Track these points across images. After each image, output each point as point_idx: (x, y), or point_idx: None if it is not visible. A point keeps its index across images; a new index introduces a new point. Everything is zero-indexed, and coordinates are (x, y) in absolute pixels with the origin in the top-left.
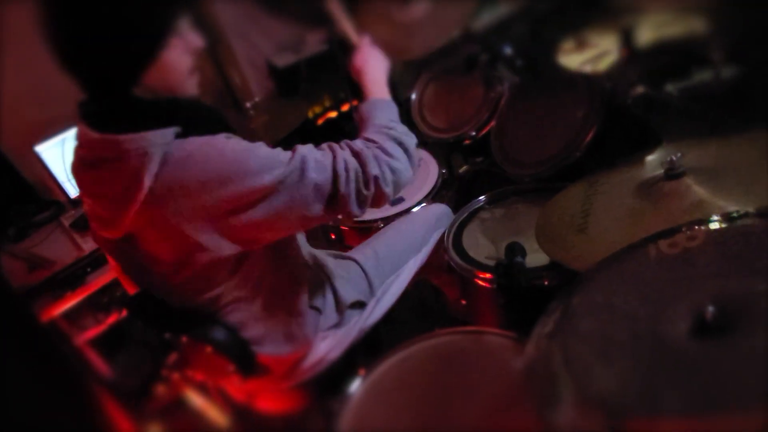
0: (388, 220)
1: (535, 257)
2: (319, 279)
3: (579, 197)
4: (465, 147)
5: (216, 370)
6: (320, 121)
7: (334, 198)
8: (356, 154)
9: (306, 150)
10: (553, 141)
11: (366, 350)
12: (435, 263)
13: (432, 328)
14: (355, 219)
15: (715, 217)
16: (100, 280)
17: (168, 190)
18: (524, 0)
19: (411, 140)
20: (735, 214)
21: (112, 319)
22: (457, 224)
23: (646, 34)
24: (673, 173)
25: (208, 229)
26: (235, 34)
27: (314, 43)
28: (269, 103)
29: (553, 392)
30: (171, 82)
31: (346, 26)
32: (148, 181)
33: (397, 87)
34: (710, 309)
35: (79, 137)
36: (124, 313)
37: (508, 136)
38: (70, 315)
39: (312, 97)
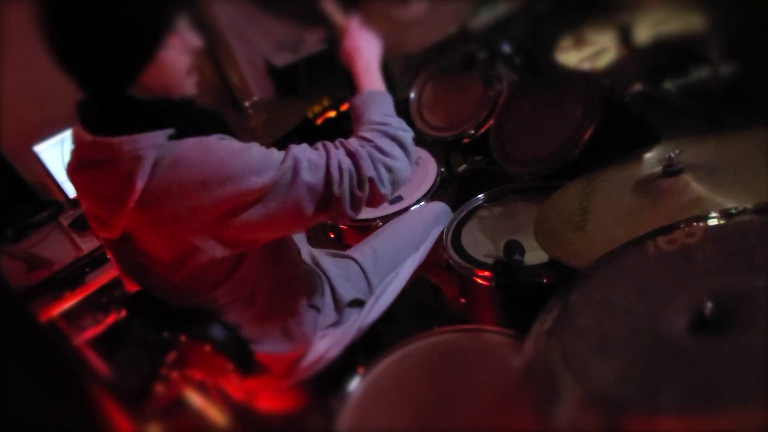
0: (386, 219)
1: (534, 255)
2: (318, 278)
3: (577, 195)
4: (464, 146)
5: (215, 369)
6: (319, 121)
7: (327, 199)
8: (351, 155)
9: (299, 150)
10: (551, 139)
11: (365, 349)
12: (434, 261)
13: (431, 326)
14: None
15: (714, 214)
16: (99, 280)
17: (161, 192)
18: None
19: (407, 135)
20: (733, 211)
21: (111, 319)
22: (455, 223)
23: (644, 31)
24: (671, 170)
25: (203, 231)
26: (234, 34)
27: (313, 42)
28: (268, 103)
29: (552, 389)
30: (169, 82)
31: (331, 8)
32: (140, 184)
33: (392, 78)
34: (708, 305)
35: (74, 139)
36: (123, 313)
37: (507, 134)
38: (69, 315)
39: (311, 97)
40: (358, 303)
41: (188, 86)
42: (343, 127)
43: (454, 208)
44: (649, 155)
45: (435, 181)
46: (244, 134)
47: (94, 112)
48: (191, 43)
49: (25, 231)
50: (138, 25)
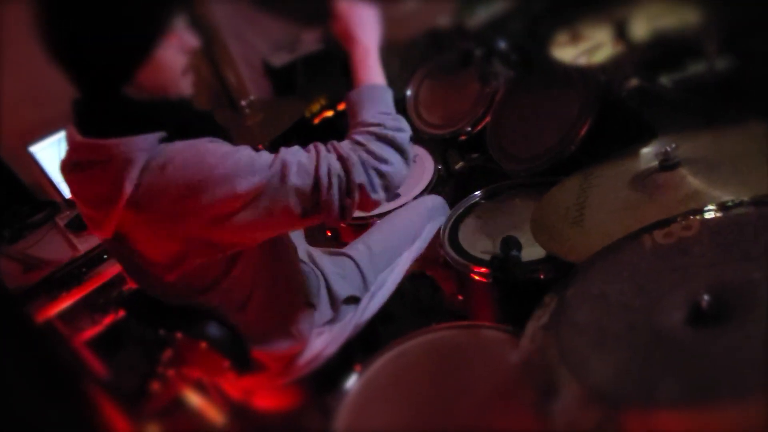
0: (382, 216)
1: (532, 251)
2: (314, 275)
3: (574, 190)
4: (461, 143)
5: (211, 367)
6: (317, 120)
7: (316, 204)
8: (342, 159)
9: (289, 154)
10: (548, 135)
11: (363, 346)
12: (431, 256)
13: (429, 324)
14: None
15: (710, 207)
16: (95, 280)
17: (150, 194)
18: None
19: (403, 135)
20: (730, 204)
21: (108, 319)
22: (453, 219)
23: (640, 26)
24: (667, 164)
25: (192, 233)
26: (231, 34)
27: (310, 41)
28: (265, 102)
29: (549, 384)
30: (164, 81)
31: None
32: (129, 186)
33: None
34: (705, 298)
35: (68, 139)
36: (121, 313)
37: (504, 130)
38: (67, 316)
39: (308, 96)
40: (354, 300)
41: (184, 86)
42: (341, 126)
43: (451, 205)
44: (645, 150)
45: (432, 178)
46: (240, 133)
47: (87, 113)
48: (188, 42)
49: (21, 232)
50: (136, 22)
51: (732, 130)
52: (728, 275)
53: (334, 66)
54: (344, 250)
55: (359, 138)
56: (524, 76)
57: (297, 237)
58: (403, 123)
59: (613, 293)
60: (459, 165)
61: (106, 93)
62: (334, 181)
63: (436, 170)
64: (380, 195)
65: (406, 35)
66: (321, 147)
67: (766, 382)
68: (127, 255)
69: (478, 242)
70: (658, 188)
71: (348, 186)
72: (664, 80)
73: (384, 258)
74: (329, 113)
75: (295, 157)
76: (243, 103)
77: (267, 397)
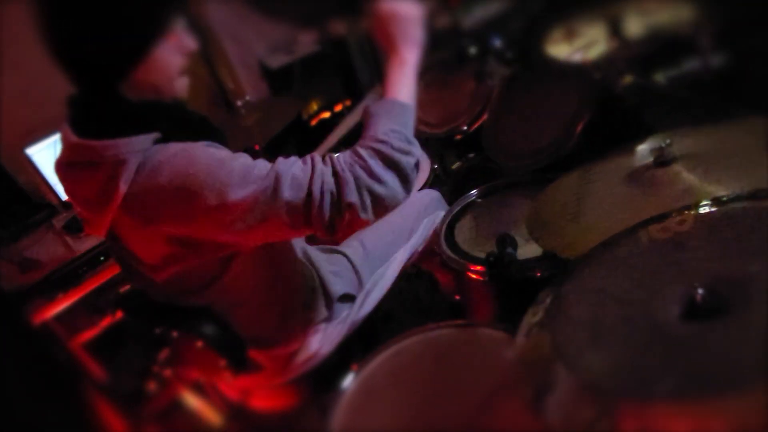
0: None
1: (528, 249)
2: (309, 274)
3: (570, 188)
4: (458, 142)
5: (207, 366)
6: (314, 122)
7: (307, 217)
8: (336, 175)
9: (284, 166)
10: (544, 133)
11: (361, 345)
12: (428, 251)
13: (428, 323)
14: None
15: (706, 202)
16: (93, 281)
17: (143, 196)
18: None
19: (408, 159)
20: (725, 198)
21: (106, 321)
22: (449, 218)
23: (634, 22)
24: (662, 160)
25: (184, 237)
26: (227, 35)
27: (307, 43)
28: (260, 102)
29: (545, 380)
30: (160, 81)
31: None
32: (123, 188)
33: None
34: (700, 291)
35: (62, 138)
36: (119, 314)
37: (500, 129)
38: (64, 317)
39: (305, 97)
40: (349, 298)
41: (179, 88)
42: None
43: (448, 205)
44: (641, 147)
45: (428, 178)
46: (236, 134)
47: (82, 113)
48: (186, 45)
49: (18, 234)
50: (135, 20)
51: (727, 126)
52: (723, 269)
53: (331, 68)
54: (339, 247)
55: (362, 152)
56: (520, 74)
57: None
58: (414, 147)
59: (609, 288)
60: (456, 165)
61: (102, 90)
62: (326, 197)
63: (432, 170)
64: (369, 216)
65: None
66: (317, 160)
67: (762, 375)
68: (120, 254)
69: (475, 241)
70: (654, 184)
71: (339, 203)
72: (659, 77)
73: (379, 255)
74: (326, 114)
75: (290, 169)
76: (239, 103)
77: (264, 397)
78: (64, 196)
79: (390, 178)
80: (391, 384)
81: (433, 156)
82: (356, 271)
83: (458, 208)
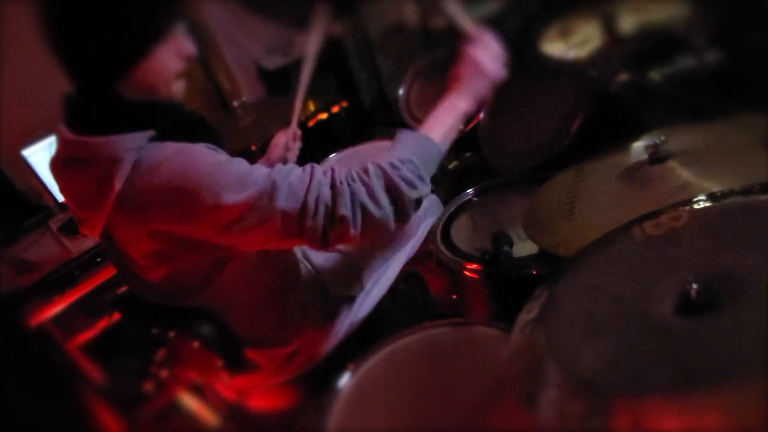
0: None
1: (524, 247)
2: (308, 274)
3: (566, 186)
4: (454, 141)
5: (204, 366)
6: (311, 123)
7: (300, 227)
8: (333, 187)
9: (281, 174)
10: (540, 131)
11: (358, 345)
12: (423, 254)
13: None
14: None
15: (700, 197)
16: (89, 283)
17: (138, 195)
18: None
19: (410, 192)
20: (719, 194)
21: (103, 323)
22: (445, 217)
23: (629, 20)
24: (657, 157)
25: (179, 236)
26: (223, 37)
27: (303, 44)
28: (257, 103)
29: (539, 376)
30: (157, 82)
31: (456, 11)
32: (118, 185)
33: (381, 78)
34: (694, 286)
35: (57, 136)
36: (116, 316)
37: (496, 127)
38: (61, 319)
39: (303, 99)
40: (349, 299)
41: (175, 90)
42: (334, 129)
43: (445, 205)
44: (636, 144)
45: None
46: (232, 134)
47: (78, 110)
48: (185, 49)
49: (14, 235)
50: (137, 19)
51: (721, 123)
52: (717, 264)
53: (327, 68)
54: (338, 247)
55: (371, 169)
56: (516, 72)
57: None
58: (421, 185)
59: (603, 284)
60: (452, 164)
61: (99, 88)
62: (321, 209)
63: None
64: (358, 233)
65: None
66: (317, 171)
67: (756, 370)
68: (115, 254)
69: (471, 240)
70: (649, 181)
71: (332, 216)
72: (654, 75)
73: (378, 256)
74: (323, 116)
75: (287, 178)
76: (235, 104)
77: (262, 398)
78: (60, 198)
79: (386, 203)
80: (387, 383)
81: None
82: (356, 272)
83: (454, 206)
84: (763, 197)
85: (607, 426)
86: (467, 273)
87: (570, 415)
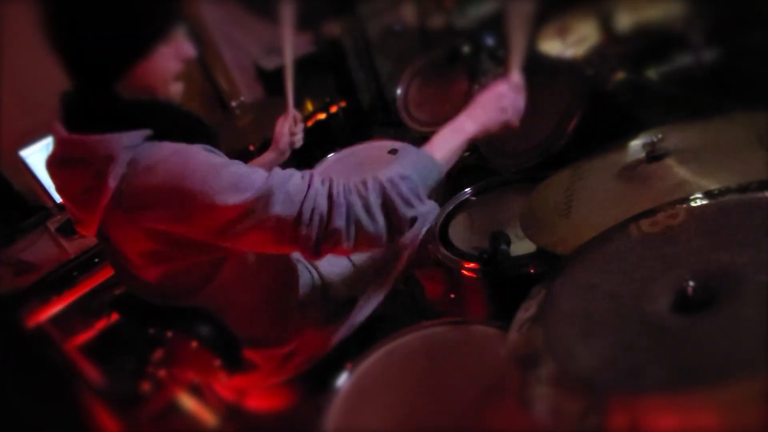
0: None
1: (522, 246)
2: (309, 274)
3: (563, 184)
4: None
5: (202, 366)
6: (309, 123)
7: (295, 234)
8: (330, 198)
9: (279, 179)
10: (537, 130)
11: (357, 346)
12: (421, 258)
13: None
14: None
15: (696, 195)
16: (87, 283)
17: (134, 195)
18: None
19: (405, 210)
20: (716, 191)
21: (101, 323)
22: (443, 217)
23: (626, 18)
24: (654, 155)
25: (175, 237)
26: (222, 37)
27: (302, 45)
28: (255, 103)
29: (536, 374)
30: (155, 83)
31: (517, 47)
32: (112, 184)
33: (379, 79)
34: (691, 284)
35: (53, 134)
36: (114, 317)
37: None
38: (59, 320)
39: (301, 99)
40: (350, 300)
41: (173, 92)
42: (333, 129)
43: (442, 204)
44: (633, 142)
45: None
46: (230, 134)
47: (74, 108)
48: (185, 51)
49: (12, 236)
50: (138, 18)
51: (719, 121)
52: (714, 261)
53: (326, 69)
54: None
55: (369, 182)
56: None
57: None
58: (419, 204)
59: (601, 282)
60: None
61: (98, 87)
62: (316, 219)
63: None
64: (350, 246)
65: None
66: (316, 179)
67: (752, 367)
68: (111, 253)
69: (469, 239)
70: (646, 179)
71: (326, 227)
72: (651, 73)
73: (381, 259)
74: (321, 116)
75: (285, 185)
76: (234, 104)
77: (260, 398)
78: (58, 198)
79: (381, 219)
80: (385, 382)
81: None
82: (358, 274)
83: (452, 206)
84: (760, 195)
85: (604, 424)
86: (465, 272)
87: (567, 414)
